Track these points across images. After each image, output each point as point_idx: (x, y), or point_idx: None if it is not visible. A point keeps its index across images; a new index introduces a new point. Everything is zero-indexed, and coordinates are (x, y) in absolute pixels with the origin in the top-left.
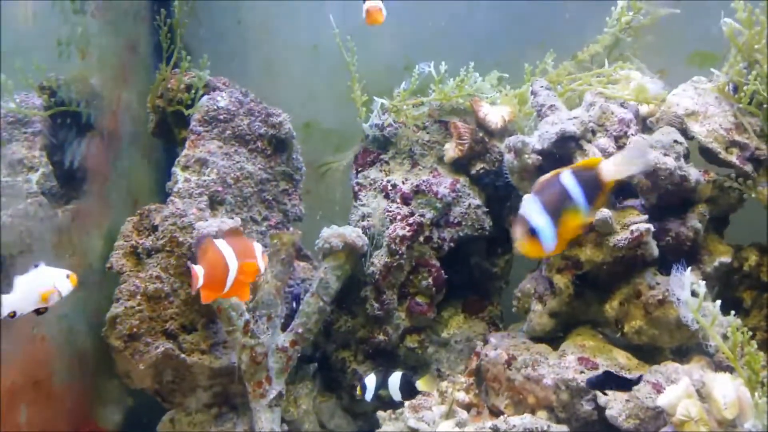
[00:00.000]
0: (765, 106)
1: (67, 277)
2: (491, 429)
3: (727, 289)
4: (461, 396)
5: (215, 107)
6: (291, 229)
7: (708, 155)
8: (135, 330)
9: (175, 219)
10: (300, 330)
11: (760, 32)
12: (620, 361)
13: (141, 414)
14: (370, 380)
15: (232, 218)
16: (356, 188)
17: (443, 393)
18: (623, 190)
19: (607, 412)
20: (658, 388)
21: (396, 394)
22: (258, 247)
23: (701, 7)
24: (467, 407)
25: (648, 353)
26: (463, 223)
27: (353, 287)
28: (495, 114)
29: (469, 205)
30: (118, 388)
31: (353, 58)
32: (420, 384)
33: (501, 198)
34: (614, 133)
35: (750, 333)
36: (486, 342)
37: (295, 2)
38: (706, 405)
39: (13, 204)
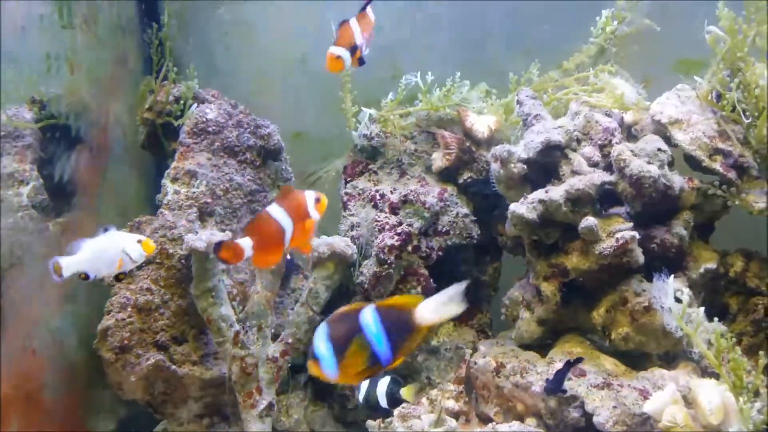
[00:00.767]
0: (748, 113)
1: (139, 242)
2: None
3: (714, 294)
4: (450, 404)
5: (204, 119)
6: None
7: (692, 163)
8: (126, 342)
9: (164, 231)
10: (290, 340)
11: (742, 40)
12: (608, 367)
13: (133, 425)
14: (363, 385)
15: (222, 230)
16: (345, 198)
17: (433, 401)
18: (608, 198)
19: (595, 419)
20: (645, 395)
21: (382, 399)
22: (310, 198)
23: (687, 14)
24: (456, 415)
25: (636, 359)
26: (451, 231)
27: (343, 297)
28: (481, 123)
29: (457, 213)
30: (110, 399)
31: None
32: (403, 392)
33: (489, 206)
34: (599, 142)
35: (736, 338)
36: (475, 350)
37: (283, 13)
38: (692, 411)
39: (4, 217)
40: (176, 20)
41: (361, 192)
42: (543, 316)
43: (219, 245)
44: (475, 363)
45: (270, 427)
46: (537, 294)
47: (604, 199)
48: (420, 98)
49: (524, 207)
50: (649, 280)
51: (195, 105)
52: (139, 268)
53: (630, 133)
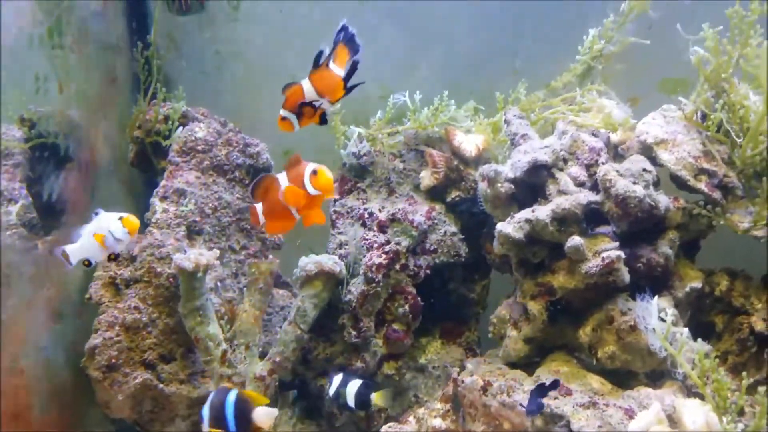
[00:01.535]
0: (732, 134)
1: (120, 219)
2: None
3: (699, 313)
4: (437, 422)
5: (193, 138)
6: (270, 257)
7: (678, 182)
8: (114, 360)
9: (153, 250)
10: (278, 359)
11: (727, 61)
12: (594, 386)
13: None
14: (337, 378)
15: (211, 248)
16: (334, 216)
17: (420, 420)
18: (595, 217)
19: None
20: (630, 414)
21: (351, 400)
22: (307, 171)
23: (673, 33)
24: None
25: (622, 377)
26: (439, 250)
27: (331, 315)
28: (469, 142)
29: (445, 232)
30: (99, 418)
31: None
32: (374, 396)
33: (477, 224)
34: (585, 162)
35: (722, 357)
36: (463, 368)
37: (273, 32)
38: (676, 430)
39: None
40: (167, 39)
41: (349, 210)
42: (530, 334)
43: None
44: (463, 381)
45: None
46: (524, 312)
47: (590, 219)
48: (408, 117)
49: (511, 226)
50: (636, 299)
51: (181, 127)
52: (118, 291)
53: (617, 153)
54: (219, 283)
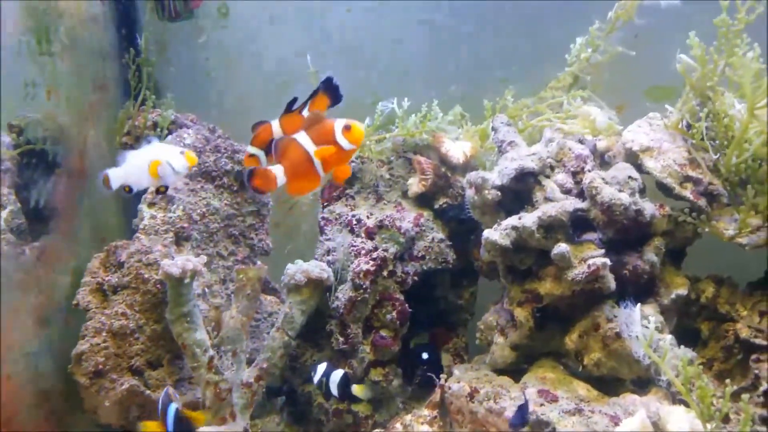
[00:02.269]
0: (717, 142)
1: (182, 153)
2: None
3: (685, 320)
4: (424, 429)
5: (182, 144)
6: (258, 263)
7: (663, 190)
8: (101, 367)
9: (140, 256)
10: (265, 365)
11: (713, 70)
12: (580, 392)
13: None
14: (321, 367)
15: (198, 254)
16: (322, 223)
17: (407, 426)
18: (581, 224)
19: None
20: (616, 421)
21: (334, 389)
22: (338, 126)
23: (659, 41)
24: None
25: (609, 384)
26: (427, 256)
27: (319, 321)
28: (457, 149)
29: (433, 239)
30: (86, 424)
31: None
32: (355, 388)
33: (465, 231)
34: (572, 169)
35: (707, 364)
36: (450, 374)
37: (264, 38)
38: None
39: None
40: (157, 46)
41: (338, 217)
42: (516, 341)
43: (251, 173)
44: (450, 387)
45: None
46: (511, 319)
47: (576, 226)
48: (397, 124)
49: (498, 233)
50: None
51: (170, 135)
52: (105, 297)
53: (603, 160)
54: (207, 290)
